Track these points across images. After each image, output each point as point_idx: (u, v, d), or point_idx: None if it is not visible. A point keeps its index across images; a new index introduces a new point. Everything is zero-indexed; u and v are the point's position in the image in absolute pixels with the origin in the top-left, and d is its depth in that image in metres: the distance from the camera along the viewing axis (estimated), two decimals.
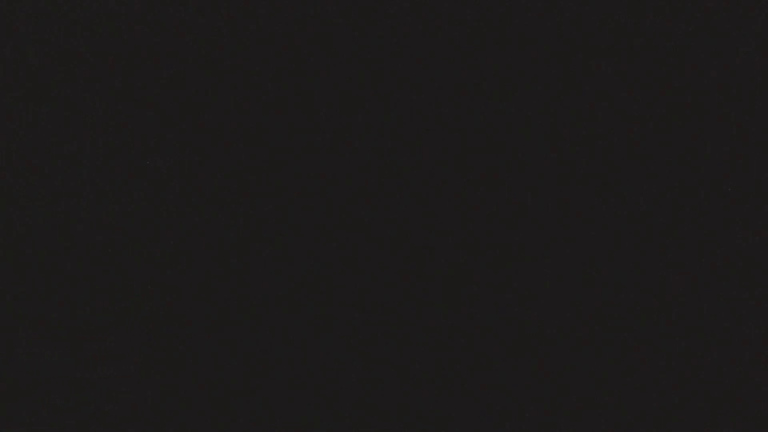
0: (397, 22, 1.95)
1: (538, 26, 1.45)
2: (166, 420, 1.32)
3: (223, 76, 2.61)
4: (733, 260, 1.21)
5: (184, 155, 2.13)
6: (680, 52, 1.27)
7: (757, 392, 1.15)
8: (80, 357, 1.48)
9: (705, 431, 1.18)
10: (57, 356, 1.47)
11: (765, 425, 1.13)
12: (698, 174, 1.25)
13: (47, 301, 1.60)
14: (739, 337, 1.20)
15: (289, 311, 1.89)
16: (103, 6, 1.94)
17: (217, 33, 2.44)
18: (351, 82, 2.21)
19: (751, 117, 1.18)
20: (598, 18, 1.36)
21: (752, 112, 1.18)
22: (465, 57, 1.72)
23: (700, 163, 1.25)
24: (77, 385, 1.38)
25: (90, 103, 1.69)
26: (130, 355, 1.53)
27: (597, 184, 1.38)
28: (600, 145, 1.37)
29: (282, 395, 1.41)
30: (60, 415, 1.28)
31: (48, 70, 1.72)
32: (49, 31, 1.77)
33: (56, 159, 1.64)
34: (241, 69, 2.62)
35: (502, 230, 1.56)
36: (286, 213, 2.30)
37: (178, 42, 2.33)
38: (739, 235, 1.20)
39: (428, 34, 1.84)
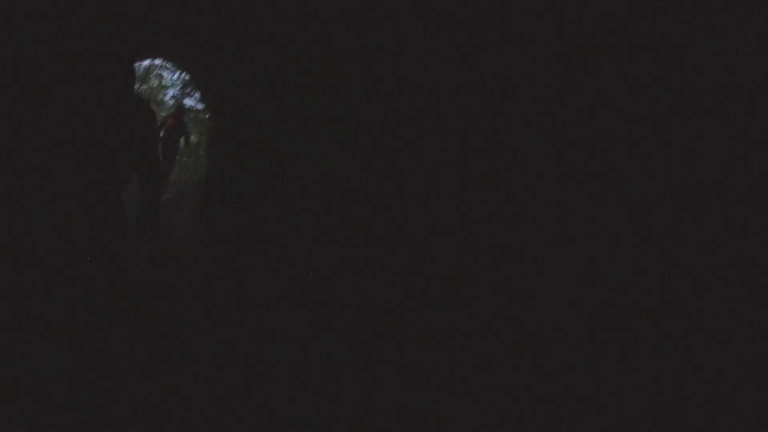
0: (397, 22, 1.95)
1: (537, 26, 1.45)
2: (166, 420, 1.32)
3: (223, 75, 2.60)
4: (733, 260, 1.21)
5: (189, 156, 2.11)
6: (680, 52, 1.27)
7: (757, 392, 1.15)
8: (80, 357, 1.48)
9: (705, 431, 1.18)
10: (57, 356, 1.48)
11: (765, 425, 1.14)
12: (698, 174, 1.25)
13: (47, 301, 1.60)
14: (738, 337, 1.20)
15: (289, 311, 1.89)
16: (103, 6, 1.94)
17: (216, 33, 2.43)
18: (351, 81, 2.21)
19: (751, 117, 1.18)
20: (598, 18, 1.36)
21: (752, 112, 1.18)
22: (465, 57, 1.72)
23: (700, 163, 1.25)
24: (77, 385, 1.38)
25: (90, 103, 1.69)
26: (130, 355, 1.53)
27: (597, 184, 1.38)
28: (600, 145, 1.37)
29: (282, 395, 1.41)
30: (60, 415, 1.29)
31: (48, 70, 1.72)
32: (49, 32, 1.77)
33: (56, 159, 1.64)
34: (240, 69, 2.61)
35: (502, 230, 1.56)
36: (286, 213, 2.30)
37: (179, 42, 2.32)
38: (738, 235, 1.21)
39: (428, 34, 1.84)
